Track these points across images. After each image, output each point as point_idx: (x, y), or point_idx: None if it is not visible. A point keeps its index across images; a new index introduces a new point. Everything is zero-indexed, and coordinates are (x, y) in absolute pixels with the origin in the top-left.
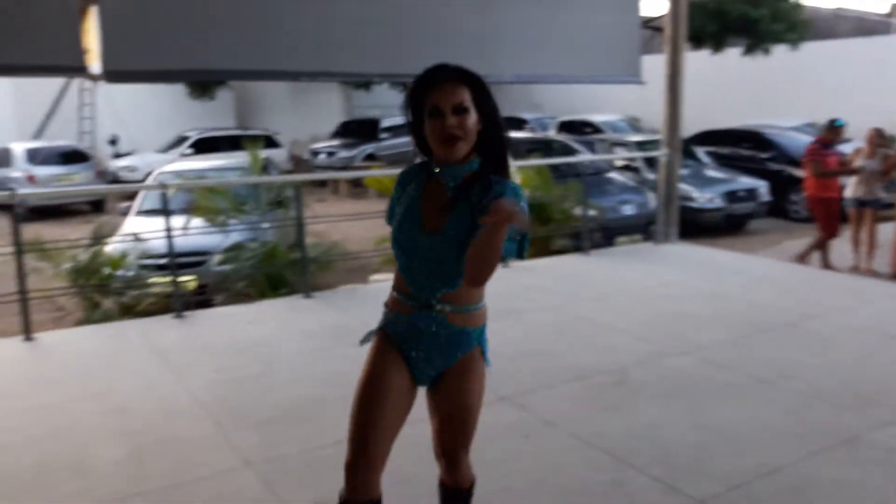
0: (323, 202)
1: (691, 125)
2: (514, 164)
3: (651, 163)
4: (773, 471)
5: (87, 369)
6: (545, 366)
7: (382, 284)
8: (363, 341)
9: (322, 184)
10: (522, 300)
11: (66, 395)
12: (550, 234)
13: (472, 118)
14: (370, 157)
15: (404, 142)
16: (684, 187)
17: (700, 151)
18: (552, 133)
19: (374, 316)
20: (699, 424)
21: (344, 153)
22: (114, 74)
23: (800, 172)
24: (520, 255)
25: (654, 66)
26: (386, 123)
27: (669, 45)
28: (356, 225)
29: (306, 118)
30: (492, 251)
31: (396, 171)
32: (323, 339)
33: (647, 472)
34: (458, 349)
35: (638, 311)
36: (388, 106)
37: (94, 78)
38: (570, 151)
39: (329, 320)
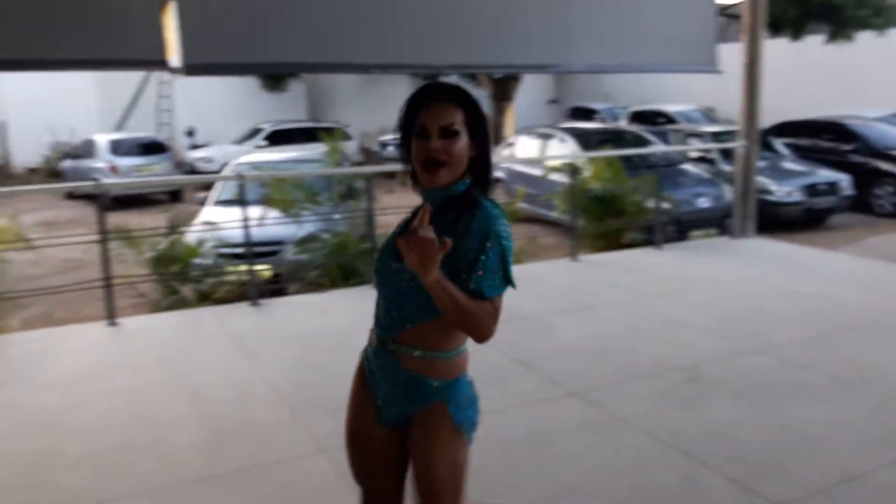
0: (391, 194)
1: (769, 115)
2: (584, 155)
3: (727, 154)
4: (853, 477)
5: (166, 354)
6: (617, 362)
7: None
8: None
9: (391, 175)
10: (592, 295)
11: (148, 379)
12: (622, 227)
13: (462, 142)
14: None
15: None
16: (762, 180)
17: (778, 143)
18: (623, 123)
19: None
20: (776, 425)
21: None
22: (192, 68)
23: (886, 165)
24: (507, 283)
25: (731, 54)
26: None
27: (747, 32)
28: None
29: (376, 110)
30: (450, 309)
31: None
32: None
33: (722, 473)
34: (415, 400)
35: (713, 307)
36: None
37: (173, 71)
38: (642, 142)
39: None
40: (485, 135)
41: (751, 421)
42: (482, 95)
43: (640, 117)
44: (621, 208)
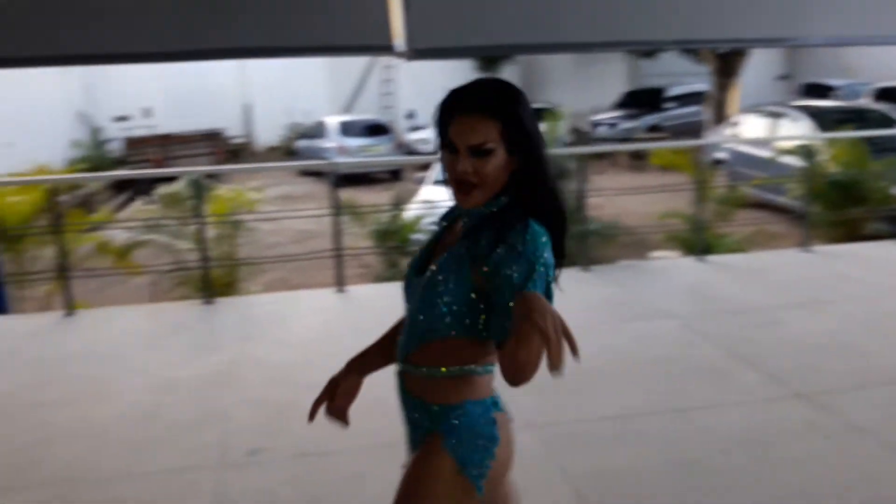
0: (601, 175)
1: None
2: (822, 136)
3: None
4: None
5: (387, 321)
6: (852, 364)
7: (663, 262)
8: None
9: (601, 156)
10: (826, 288)
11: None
12: (863, 216)
13: (497, 161)
14: (654, 128)
15: (690, 111)
16: None
17: None
18: (866, 101)
19: (652, 293)
20: None
21: (626, 124)
22: (417, 52)
23: None
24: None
25: None
26: (671, 93)
27: None
28: (635, 199)
29: (588, 89)
30: (518, 362)
31: (681, 143)
32: (600, 312)
33: None
34: (420, 426)
35: None
36: (676, 74)
37: (399, 56)
38: (889, 123)
39: (607, 294)
40: (530, 149)
41: None
42: (703, 72)
43: (886, 94)
44: (863, 195)
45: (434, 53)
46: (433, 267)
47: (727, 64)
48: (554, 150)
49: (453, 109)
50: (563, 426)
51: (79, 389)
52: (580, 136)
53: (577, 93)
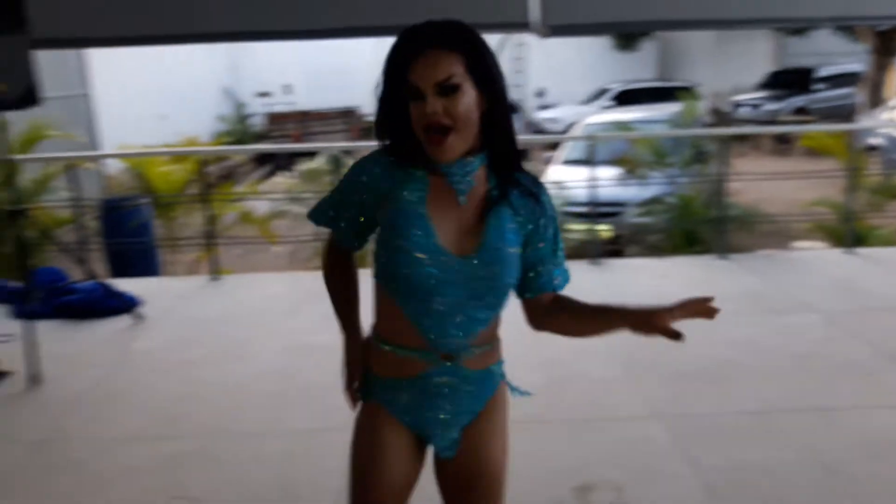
0: (742, 158)
1: None
2: None
3: None
4: None
5: (512, 301)
6: None
7: (807, 253)
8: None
9: (742, 138)
10: None
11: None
12: None
13: (467, 98)
14: (800, 110)
15: (841, 94)
16: None
17: None
18: None
19: (795, 285)
20: None
21: (770, 106)
22: (553, 29)
23: None
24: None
25: None
26: (821, 73)
27: None
28: (779, 185)
29: (730, 68)
30: (591, 331)
31: (833, 126)
32: (738, 302)
33: None
34: (481, 398)
35: None
36: (827, 53)
37: (535, 33)
38: None
39: (745, 284)
40: (497, 81)
41: None
42: (858, 51)
43: None
44: None
45: (570, 30)
46: (492, 243)
47: (887, 42)
48: (691, 132)
49: (409, 52)
50: (695, 418)
51: (222, 349)
52: (720, 118)
53: (718, 72)
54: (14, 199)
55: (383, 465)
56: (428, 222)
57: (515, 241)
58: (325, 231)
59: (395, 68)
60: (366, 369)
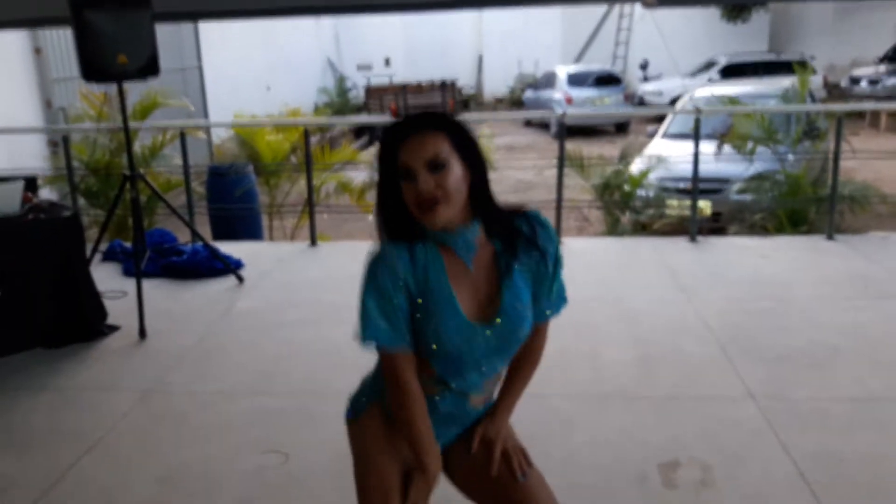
0: (856, 136)
1: None
2: None
3: None
4: None
5: (605, 276)
6: None
7: None
8: (347, 418)
9: (858, 115)
10: None
11: (586, 296)
12: None
13: (455, 173)
14: None
15: None
16: None
17: None
18: None
19: None
20: None
21: (891, 81)
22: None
23: None
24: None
25: None
26: None
27: None
28: (895, 164)
29: (849, 41)
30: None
31: None
32: (844, 286)
33: None
34: (467, 425)
35: None
36: None
37: (645, 4)
38: None
39: (853, 267)
40: (478, 155)
41: None
42: None
43: None
44: None
45: (680, 0)
46: (510, 306)
47: None
48: (801, 107)
49: (398, 137)
50: (791, 402)
51: (318, 312)
52: (833, 92)
53: (836, 44)
54: (130, 164)
55: (382, 476)
56: (456, 302)
57: (527, 292)
58: None
59: (387, 155)
60: (373, 378)
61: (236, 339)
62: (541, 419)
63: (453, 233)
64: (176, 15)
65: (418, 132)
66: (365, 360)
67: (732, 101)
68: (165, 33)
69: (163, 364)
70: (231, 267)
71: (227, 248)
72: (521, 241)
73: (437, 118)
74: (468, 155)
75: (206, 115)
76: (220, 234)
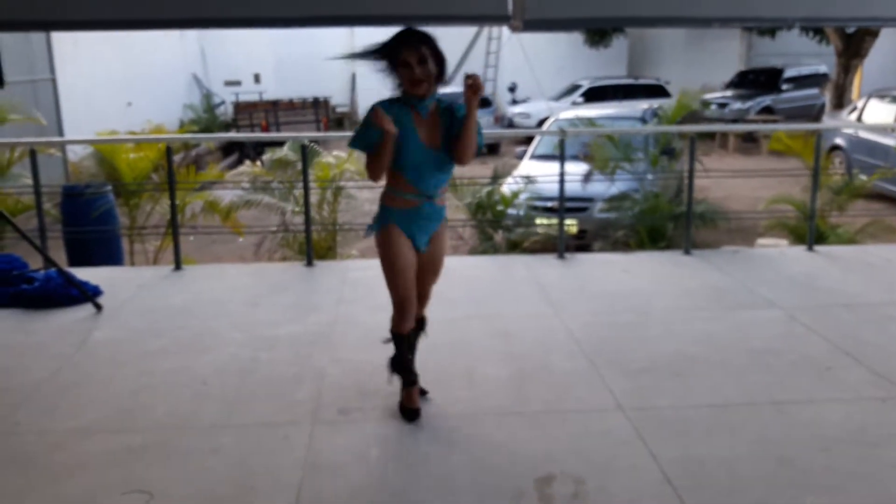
0: (707, 156)
1: None
2: None
3: None
4: None
5: (478, 293)
6: None
7: (769, 250)
8: (367, 234)
9: (709, 137)
10: None
11: (460, 314)
12: None
13: (431, 66)
14: (766, 110)
15: (807, 94)
16: None
17: None
18: None
19: (756, 282)
20: None
21: (737, 105)
22: (527, 23)
23: None
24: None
25: None
26: (789, 73)
27: None
28: (744, 183)
29: (699, 67)
30: (474, 131)
31: (799, 126)
32: (700, 298)
33: None
34: (437, 221)
35: None
36: (794, 54)
37: (513, 27)
38: None
39: (708, 280)
40: (441, 60)
41: None
42: (825, 53)
43: None
44: None
45: (544, 25)
46: (440, 141)
47: (854, 44)
48: (658, 128)
49: (404, 43)
50: (655, 411)
51: (183, 340)
52: (689, 115)
53: (686, 70)
54: None
55: (405, 259)
56: (417, 135)
57: (450, 133)
58: (290, 222)
59: (392, 51)
60: (384, 206)
61: (93, 372)
62: (422, 439)
63: (423, 100)
64: (22, 24)
65: (415, 42)
66: (231, 392)
67: (594, 123)
68: (13, 42)
69: (8, 403)
70: (88, 294)
71: (84, 273)
72: (449, 108)
73: (424, 37)
74: (437, 59)
75: (60, 131)
76: (76, 260)
